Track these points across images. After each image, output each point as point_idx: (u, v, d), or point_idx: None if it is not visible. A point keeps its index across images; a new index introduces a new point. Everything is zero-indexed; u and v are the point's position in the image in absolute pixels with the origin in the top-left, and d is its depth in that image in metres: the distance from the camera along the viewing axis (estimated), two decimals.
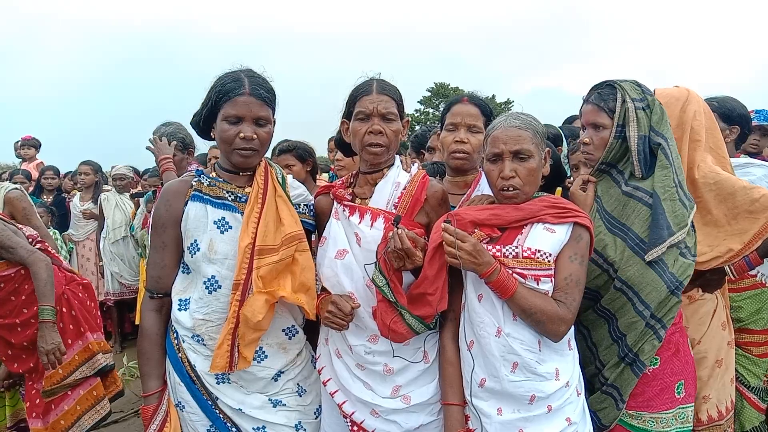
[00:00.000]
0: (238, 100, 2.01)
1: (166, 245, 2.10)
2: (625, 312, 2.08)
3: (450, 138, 2.38)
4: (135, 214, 6.15)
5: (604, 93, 2.18)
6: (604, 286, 2.13)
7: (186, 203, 2.08)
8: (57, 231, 6.41)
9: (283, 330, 2.16)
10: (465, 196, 2.35)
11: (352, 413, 2.08)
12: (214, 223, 2.05)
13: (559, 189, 3.10)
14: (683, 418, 2.19)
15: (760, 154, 3.82)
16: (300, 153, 3.62)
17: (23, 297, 3.07)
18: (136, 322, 5.43)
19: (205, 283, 2.04)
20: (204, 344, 2.06)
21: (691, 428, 2.25)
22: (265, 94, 2.05)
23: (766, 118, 3.87)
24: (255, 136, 2.02)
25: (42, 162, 7.99)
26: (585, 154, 2.26)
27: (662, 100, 2.49)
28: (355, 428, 2.09)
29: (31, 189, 7.00)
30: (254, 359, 2.05)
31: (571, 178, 2.99)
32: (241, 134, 2.00)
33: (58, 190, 7.42)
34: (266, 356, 2.11)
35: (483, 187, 2.33)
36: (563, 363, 1.93)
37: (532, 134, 1.94)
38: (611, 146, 2.17)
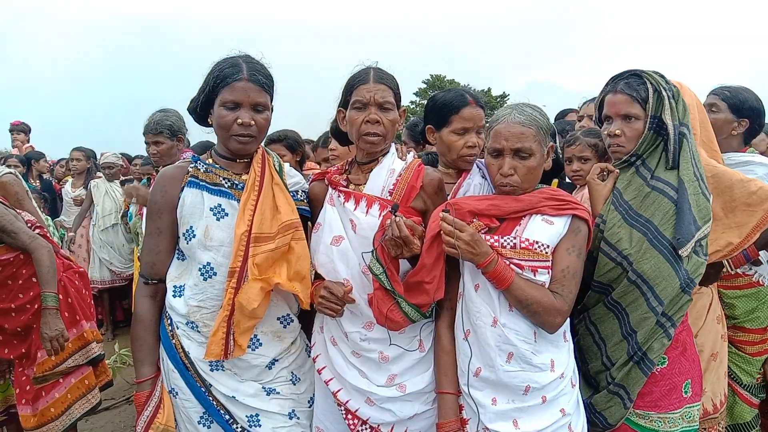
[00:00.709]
0: (236, 86, 1.99)
1: (161, 231, 2.09)
2: (638, 306, 2.06)
3: (461, 142, 2.30)
4: (128, 202, 6.11)
5: (633, 83, 2.12)
6: (617, 280, 2.09)
7: (182, 189, 2.07)
8: (49, 217, 6.37)
9: (278, 318, 2.16)
10: (456, 185, 2.32)
11: (347, 401, 2.08)
12: (211, 209, 2.03)
13: (555, 181, 3.10)
14: (690, 417, 2.17)
15: None
16: (290, 143, 3.58)
17: (20, 282, 3.05)
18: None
19: (200, 269, 2.03)
20: (198, 331, 2.05)
21: (697, 428, 2.23)
22: (264, 80, 2.03)
23: None
24: (253, 123, 2.00)
25: (32, 146, 7.95)
26: (615, 147, 2.18)
27: None
28: (350, 416, 2.09)
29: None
30: (249, 347, 2.05)
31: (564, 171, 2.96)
32: (239, 120, 1.98)
33: (41, 176, 7.39)
34: (261, 344, 2.11)
35: (474, 176, 2.31)
36: (558, 354, 1.95)
37: (535, 131, 1.92)
38: (645, 137, 2.10)
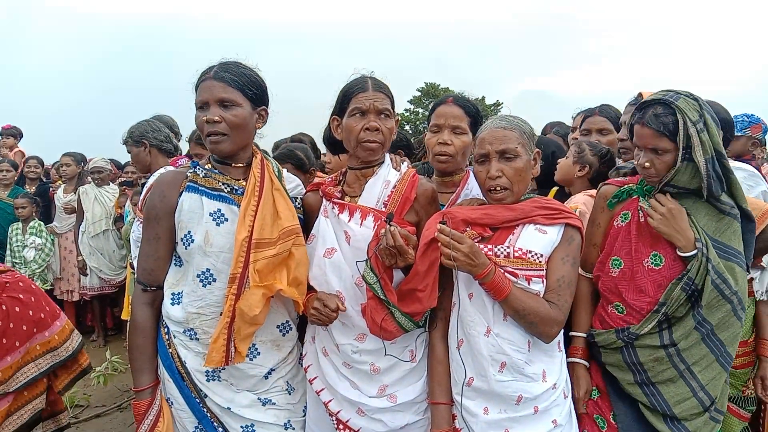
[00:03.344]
0: (202, 86, 2.01)
1: (160, 237, 2.06)
2: (731, 325, 2.05)
3: (434, 140, 2.35)
4: (122, 204, 6.05)
5: (662, 115, 1.98)
6: (717, 307, 2.02)
7: (180, 194, 2.05)
8: (42, 222, 6.32)
9: (278, 326, 2.15)
10: (454, 195, 2.34)
11: (338, 412, 2.08)
12: (210, 215, 2.02)
13: (553, 190, 3.11)
14: None
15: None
16: (298, 162, 3.32)
17: None
18: (122, 317, 5.38)
19: (198, 276, 2.02)
20: (197, 339, 2.04)
21: None
22: (230, 77, 2.00)
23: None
24: (218, 119, 1.97)
25: (22, 150, 7.87)
26: (646, 176, 2.10)
27: None
28: (341, 426, 2.09)
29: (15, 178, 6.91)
30: (246, 356, 2.02)
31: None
32: (205, 117, 1.98)
33: (41, 180, 7.32)
34: (259, 353, 2.09)
35: (472, 186, 2.33)
36: (551, 365, 1.95)
37: (518, 134, 1.95)
38: (678, 170, 2.01)
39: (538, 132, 4.55)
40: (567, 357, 2.16)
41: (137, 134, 3.72)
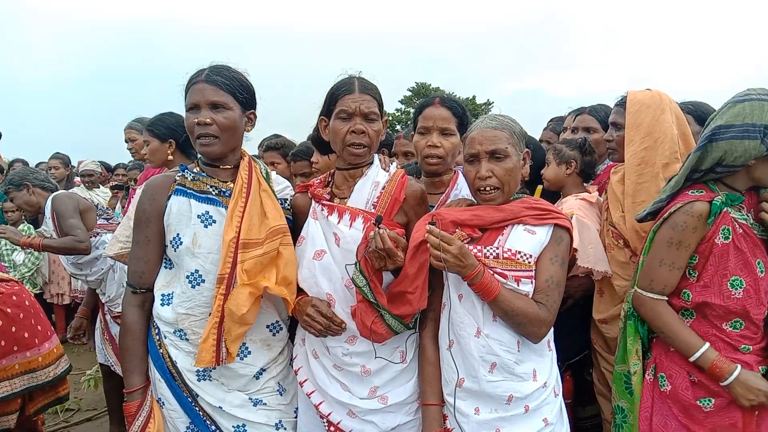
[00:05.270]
0: (193, 89, 2.02)
1: (150, 240, 2.08)
2: None
3: (423, 142, 2.33)
4: (113, 206, 6.01)
5: None
6: None
7: (169, 197, 2.06)
8: (31, 226, 6.28)
9: (268, 326, 2.15)
10: (444, 195, 2.33)
11: (329, 414, 2.07)
12: (198, 217, 2.03)
13: (539, 188, 3.12)
14: None
15: None
16: (286, 151, 3.57)
17: None
18: None
19: (188, 277, 2.02)
20: (187, 339, 2.04)
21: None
22: (221, 80, 2.02)
23: None
24: (209, 121, 1.99)
25: None
26: None
27: (632, 107, 2.48)
28: (332, 428, 2.08)
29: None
30: (237, 356, 2.03)
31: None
32: (196, 120, 1.99)
33: None
34: (249, 353, 2.10)
35: (461, 186, 2.32)
36: (541, 364, 1.95)
37: (508, 134, 1.94)
38: None
39: (539, 129, 4.53)
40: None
41: (17, 180, 3.91)
